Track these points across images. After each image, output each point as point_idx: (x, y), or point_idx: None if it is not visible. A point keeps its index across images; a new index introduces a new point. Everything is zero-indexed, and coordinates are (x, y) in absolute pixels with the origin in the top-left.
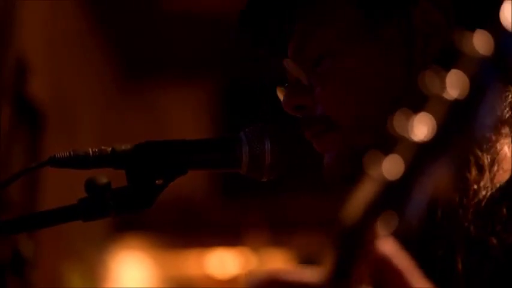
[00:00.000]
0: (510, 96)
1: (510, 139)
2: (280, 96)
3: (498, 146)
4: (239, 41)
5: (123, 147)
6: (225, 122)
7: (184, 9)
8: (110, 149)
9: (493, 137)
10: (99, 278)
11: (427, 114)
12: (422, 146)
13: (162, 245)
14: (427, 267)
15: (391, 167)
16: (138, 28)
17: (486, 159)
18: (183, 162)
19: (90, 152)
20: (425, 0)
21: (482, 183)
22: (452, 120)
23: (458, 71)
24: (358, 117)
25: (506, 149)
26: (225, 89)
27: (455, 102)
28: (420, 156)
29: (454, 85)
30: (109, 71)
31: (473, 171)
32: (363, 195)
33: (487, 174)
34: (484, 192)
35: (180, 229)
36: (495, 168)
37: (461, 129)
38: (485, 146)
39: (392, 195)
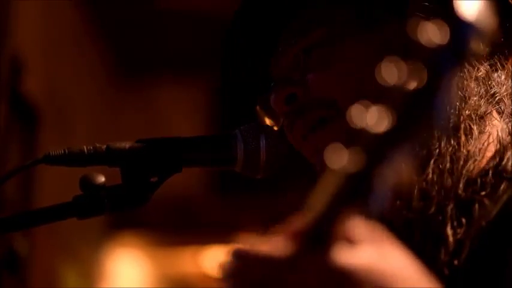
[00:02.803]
0: (498, 71)
1: (502, 115)
2: (261, 111)
3: (487, 120)
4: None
5: (117, 145)
6: (220, 120)
7: (180, 7)
8: (105, 146)
9: (483, 111)
10: (94, 276)
11: (387, 104)
12: (382, 137)
13: (157, 242)
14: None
15: (353, 158)
16: (134, 26)
17: (475, 131)
18: (177, 159)
19: (85, 149)
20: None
21: (471, 151)
22: (411, 109)
23: (415, 60)
24: (358, 96)
25: (496, 123)
26: (221, 87)
27: (414, 91)
28: (380, 146)
29: (411, 75)
30: (104, 69)
31: (463, 138)
32: (326, 187)
33: (476, 144)
34: (472, 162)
35: (175, 227)
36: (484, 141)
37: (420, 118)
38: (475, 118)
39: (354, 187)
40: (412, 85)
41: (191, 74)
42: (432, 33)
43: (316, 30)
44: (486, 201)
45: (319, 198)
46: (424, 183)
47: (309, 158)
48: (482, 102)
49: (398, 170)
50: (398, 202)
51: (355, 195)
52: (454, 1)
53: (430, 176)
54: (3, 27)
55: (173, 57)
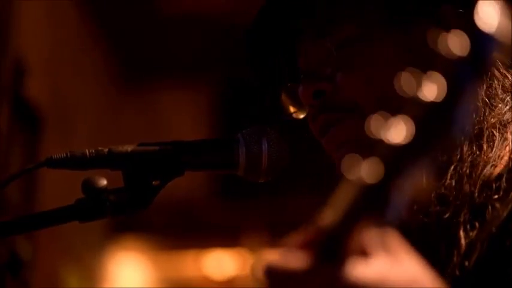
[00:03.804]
0: None
1: None
2: (286, 99)
3: (509, 127)
4: (238, 43)
5: (119, 148)
6: (223, 124)
7: (183, 12)
8: (107, 150)
9: (507, 118)
10: (96, 279)
11: (405, 116)
12: (400, 149)
13: (159, 246)
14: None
15: (370, 170)
16: (137, 30)
17: (497, 138)
18: (179, 163)
19: (87, 153)
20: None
21: (491, 158)
22: (430, 122)
23: (435, 72)
24: (382, 100)
25: None
26: (223, 91)
27: (433, 104)
28: (398, 158)
29: (431, 87)
30: (107, 73)
31: (485, 146)
32: (342, 199)
33: (496, 151)
34: (490, 167)
35: (177, 230)
36: (504, 147)
37: (439, 131)
38: (498, 126)
39: (371, 198)
40: (431, 97)
41: (193, 77)
42: (452, 45)
43: (345, 25)
44: (497, 205)
45: (335, 208)
46: (442, 188)
47: (329, 152)
48: (507, 109)
49: (416, 183)
50: (415, 206)
51: (372, 207)
52: (475, 13)
53: (449, 181)
54: (6, 31)
55: (175, 60)
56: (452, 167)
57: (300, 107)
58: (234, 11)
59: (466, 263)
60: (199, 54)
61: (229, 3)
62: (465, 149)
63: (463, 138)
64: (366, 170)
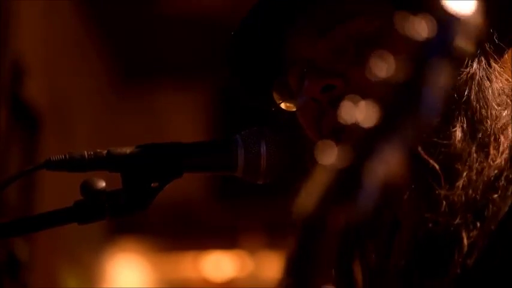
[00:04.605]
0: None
1: None
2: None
3: (510, 128)
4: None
5: (118, 150)
6: (222, 125)
7: (182, 12)
8: (106, 151)
9: (509, 124)
10: (95, 281)
11: (374, 99)
12: (370, 131)
13: (158, 247)
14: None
15: (341, 154)
16: (136, 31)
17: (503, 143)
18: (178, 164)
19: (86, 154)
20: None
21: (497, 163)
22: (398, 103)
23: (403, 54)
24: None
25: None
26: (222, 92)
27: (400, 85)
28: (369, 141)
29: (398, 69)
30: (106, 74)
31: (491, 153)
32: (316, 185)
33: (502, 156)
34: (493, 170)
35: (176, 232)
36: (505, 149)
37: (408, 111)
38: (505, 132)
39: (343, 183)
40: (399, 79)
41: (192, 78)
42: (419, 28)
43: (355, 17)
44: (496, 203)
45: (310, 195)
46: (452, 197)
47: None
48: (508, 112)
49: (388, 165)
50: (426, 215)
51: (345, 192)
52: None
53: (460, 191)
54: (4, 31)
55: (174, 61)
56: (464, 175)
57: (290, 100)
58: (234, 12)
59: (468, 262)
60: (198, 55)
61: (228, 4)
62: (474, 155)
63: (472, 144)
64: (337, 155)
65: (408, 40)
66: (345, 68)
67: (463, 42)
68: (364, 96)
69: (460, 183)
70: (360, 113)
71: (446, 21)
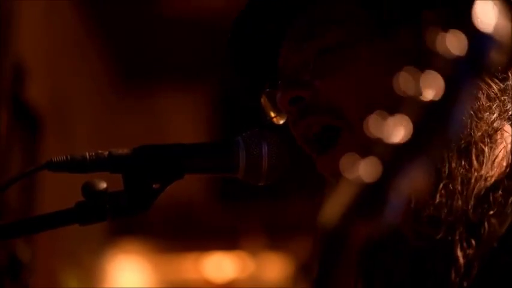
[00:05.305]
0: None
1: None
2: (266, 104)
3: (499, 138)
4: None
5: (120, 151)
6: (222, 127)
7: (183, 14)
8: (107, 153)
9: (496, 127)
10: (96, 282)
11: (404, 115)
12: (398, 148)
13: (159, 248)
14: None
15: (368, 169)
16: (137, 33)
17: (486, 151)
18: (179, 166)
19: (87, 156)
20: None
21: (483, 173)
22: (428, 121)
23: (433, 71)
24: (369, 106)
25: (507, 136)
26: (222, 93)
27: (431, 103)
28: (397, 158)
29: (429, 86)
30: (107, 76)
31: (474, 161)
32: (340, 198)
33: (488, 164)
34: (483, 180)
35: (177, 233)
36: (495, 156)
37: (437, 130)
38: (486, 139)
39: (369, 198)
40: (429, 96)
41: (192, 80)
42: (450, 44)
43: (327, 32)
44: (494, 221)
45: (333, 208)
46: (432, 207)
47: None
48: (494, 118)
49: (414, 182)
50: (408, 233)
51: (370, 207)
52: (472, 12)
53: (438, 199)
54: (5, 33)
55: (174, 63)
56: (441, 185)
57: (280, 113)
58: (234, 14)
59: (465, 283)
60: (198, 57)
61: (228, 5)
62: (453, 164)
63: (451, 151)
64: (364, 169)
65: (439, 57)
66: (310, 77)
67: (495, 59)
68: (331, 105)
69: (438, 193)
70: (388, 128)
71: (480, 38)
